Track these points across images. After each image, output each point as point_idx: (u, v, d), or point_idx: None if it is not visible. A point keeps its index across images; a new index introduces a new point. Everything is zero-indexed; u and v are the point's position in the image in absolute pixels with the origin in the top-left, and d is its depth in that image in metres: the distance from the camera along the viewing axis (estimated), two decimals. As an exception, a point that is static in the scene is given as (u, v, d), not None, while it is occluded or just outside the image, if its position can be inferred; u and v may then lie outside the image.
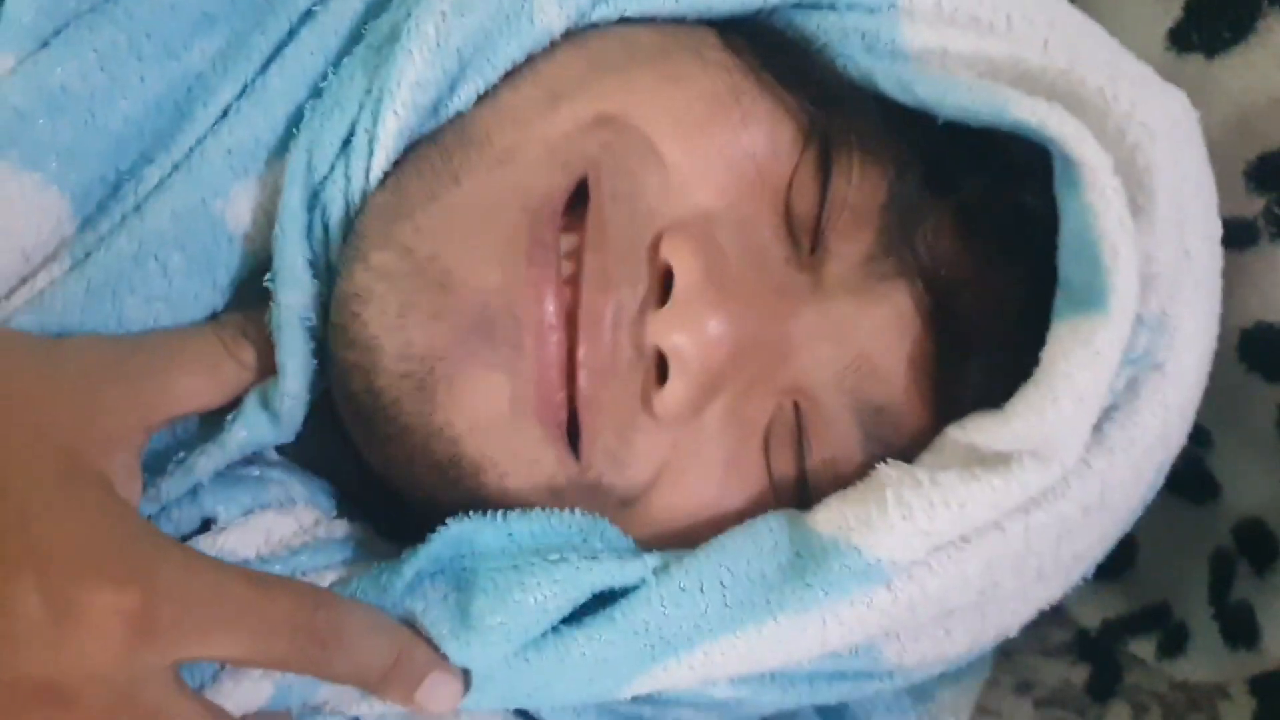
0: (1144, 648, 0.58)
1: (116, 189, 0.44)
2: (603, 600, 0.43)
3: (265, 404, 0.45)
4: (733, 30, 0.47)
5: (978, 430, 0.41)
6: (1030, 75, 0.43)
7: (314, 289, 0.44)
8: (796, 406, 0.44)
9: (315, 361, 0.45)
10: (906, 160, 0.44)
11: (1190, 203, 0.43)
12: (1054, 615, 0.55)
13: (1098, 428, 0.42)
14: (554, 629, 0.43)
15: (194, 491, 0.45)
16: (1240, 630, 0.52)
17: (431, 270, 0.41)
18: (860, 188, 0.44)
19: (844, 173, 0.43)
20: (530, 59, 0.45)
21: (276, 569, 0.44)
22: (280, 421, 0.45)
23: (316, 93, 0.46)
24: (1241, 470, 0.48)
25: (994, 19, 0.44)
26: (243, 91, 0.45)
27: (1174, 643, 0.57)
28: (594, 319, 0.41)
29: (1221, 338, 0.50)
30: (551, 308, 0.41)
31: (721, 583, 0.42)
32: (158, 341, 0.44)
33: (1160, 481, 0.46)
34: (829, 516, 0.42)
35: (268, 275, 0.44)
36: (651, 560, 0.43)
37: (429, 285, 0.41)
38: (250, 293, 0.46)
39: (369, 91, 0.44)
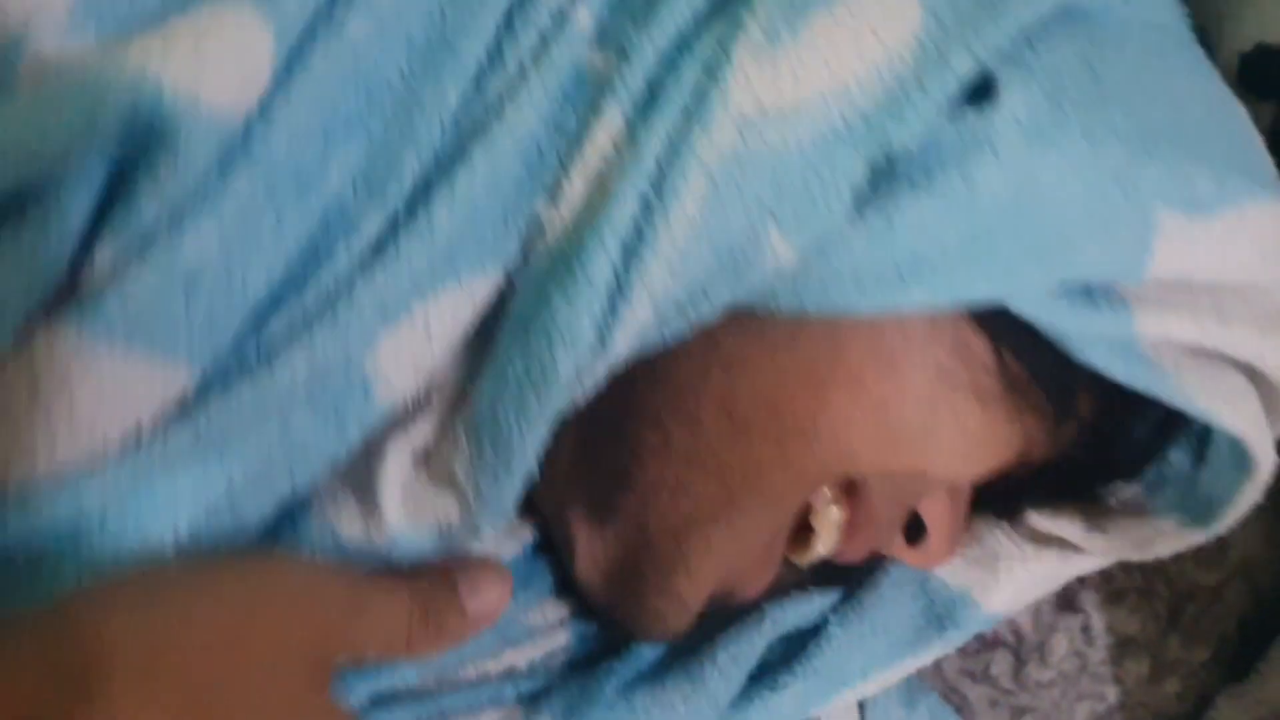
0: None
1: (242, 345, 0.38)
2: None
3: None
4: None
5: (1070, 533, 0.51)
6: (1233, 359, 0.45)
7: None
8: None
9: None
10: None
11: None
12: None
13: None
14: (760, 682, 0.49)
15: None
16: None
17: (695, 605, 0.47)
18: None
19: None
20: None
21: None
22: None
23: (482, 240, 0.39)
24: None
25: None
26: (394, 223, 0.38)
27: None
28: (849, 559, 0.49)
29: (1223, 67, 0.51)
30: None
31: (886, 627, 0.50)
32: (351, 580, 0.39)
33: None
34: (955, 574, 0.51)
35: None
36: (824, 599, 0.51)
37: (692, 613, 0.47)
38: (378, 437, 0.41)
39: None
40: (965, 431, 0.43)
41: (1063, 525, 0.51)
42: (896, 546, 0.49)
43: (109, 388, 0.35)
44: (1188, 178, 0.41)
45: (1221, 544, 0.59)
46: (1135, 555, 0.51)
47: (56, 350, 0.35)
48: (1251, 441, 0.45)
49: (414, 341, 0.38)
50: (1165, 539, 0.50)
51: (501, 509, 0.40)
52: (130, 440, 0.36)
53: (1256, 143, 0.46)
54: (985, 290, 0.40)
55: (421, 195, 0.38)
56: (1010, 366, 0.43)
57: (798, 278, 0.39)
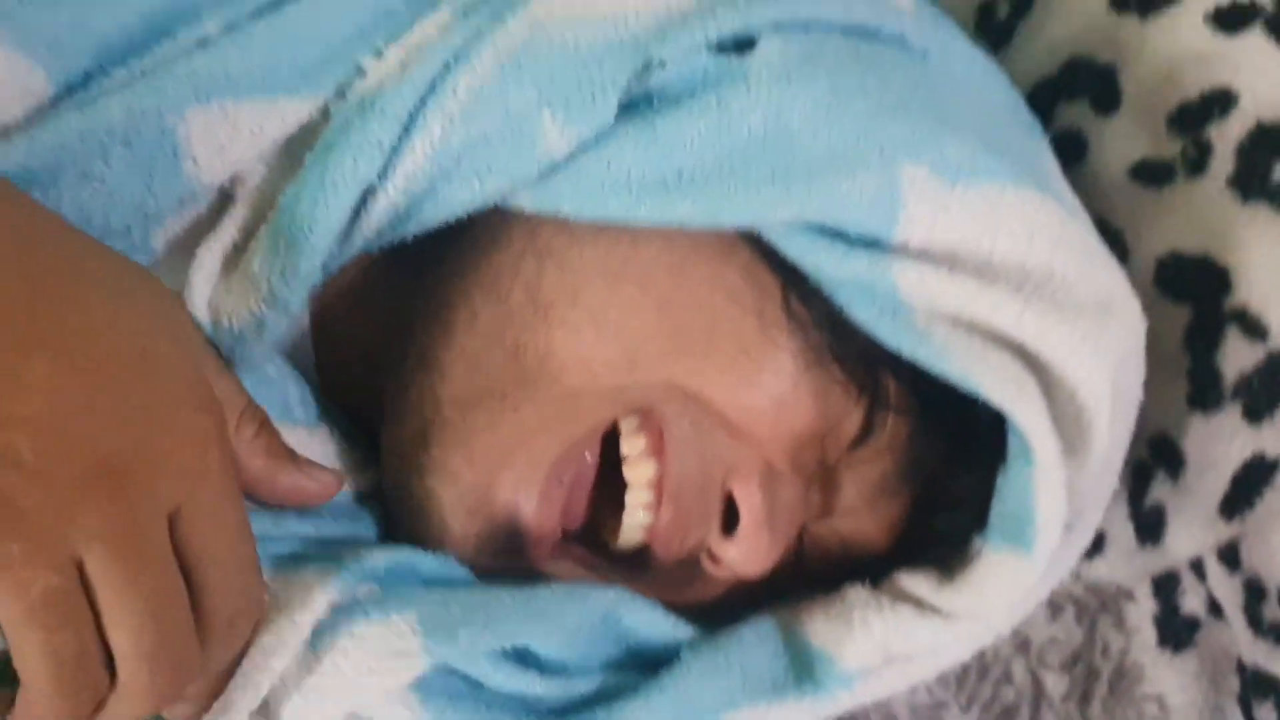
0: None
1: (88, 83, 0.45)
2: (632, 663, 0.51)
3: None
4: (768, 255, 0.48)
5: (923, 590, 0.51)
6: (1004, 336, 0.47)
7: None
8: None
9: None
10: (923, 413, 0.50)
11: (1121, 427, 0.50)
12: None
13: None
14: (605, 701, 0.49)
15: None
16: (1150, 528, 0.58)
17: (471, 498, 0.48)
18: (890, 438, 0.50)
19: (880, 432, 0.50)
20: (616, 297, 0.47)
21: None
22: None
23: (301, 72, 0.46)
24: (1153, 389, 0.53)
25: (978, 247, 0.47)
26: (227, 30, 0.46)
27: (1094, 545, 0.62)
28: (669, 545, 0.50)
29: (1140, 268, 0.56)
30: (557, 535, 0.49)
31: (742, 667, 0.50)
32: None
33: None
34: (815, 629, 0.51)
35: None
36: (680, 624, 0.51)
37: (470, 513, 0.48)
38: (191, 215, 0.47)
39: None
40: (751, 356, 0.47)
41: (917, 582, 0.51)
42: (714, 541, 0.49)
43: None
44: (936, 140, 0.46)
45: (1161, 701, 0.62)
46: (983, 608, 0.50)
47: None
48: (1025, 423, 0.46)
49: (222, 128, 0.45)
50: (1001, 577, 0.49)
51: (289, 310, 0.45)
52: None
53: (1042, 150, 0.52)
54: (741, 210, 0.46)
55: (252, 17, 0.46)
56: (796, 309, 0.48)
57: (578, 180, 0.45)
